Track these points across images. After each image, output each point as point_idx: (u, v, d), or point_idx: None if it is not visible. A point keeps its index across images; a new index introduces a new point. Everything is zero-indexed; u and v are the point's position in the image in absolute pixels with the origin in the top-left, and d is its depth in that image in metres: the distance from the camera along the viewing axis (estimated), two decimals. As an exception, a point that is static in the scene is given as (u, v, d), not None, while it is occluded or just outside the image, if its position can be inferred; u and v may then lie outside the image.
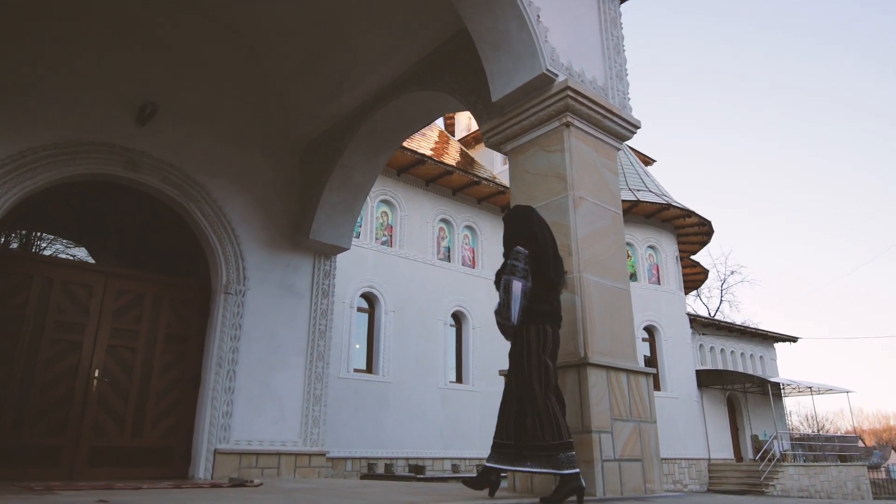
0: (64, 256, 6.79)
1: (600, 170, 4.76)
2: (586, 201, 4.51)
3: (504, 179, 19.49)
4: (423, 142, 18.00)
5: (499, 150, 5.17)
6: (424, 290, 15.69)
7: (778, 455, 18.61)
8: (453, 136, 24.63)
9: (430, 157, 15.86)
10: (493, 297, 15.03)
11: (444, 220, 17.02)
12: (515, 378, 3.55)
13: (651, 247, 18.94)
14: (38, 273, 6.30)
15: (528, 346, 3.51)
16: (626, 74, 5.51)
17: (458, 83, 5.95)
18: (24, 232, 6.43)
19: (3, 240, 6.25)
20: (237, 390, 7.10)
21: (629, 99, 5.36)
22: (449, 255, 16.80)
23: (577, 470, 3.32)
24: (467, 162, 19.73)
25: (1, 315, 6.03)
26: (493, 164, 21.51)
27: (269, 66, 8.33)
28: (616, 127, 4.95)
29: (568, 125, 4.62)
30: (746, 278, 60.84)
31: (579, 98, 4.66)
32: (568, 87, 4.60)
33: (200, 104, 7.68)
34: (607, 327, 4.32)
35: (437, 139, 19.40)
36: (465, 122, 24.88)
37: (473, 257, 17.38)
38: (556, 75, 4.75)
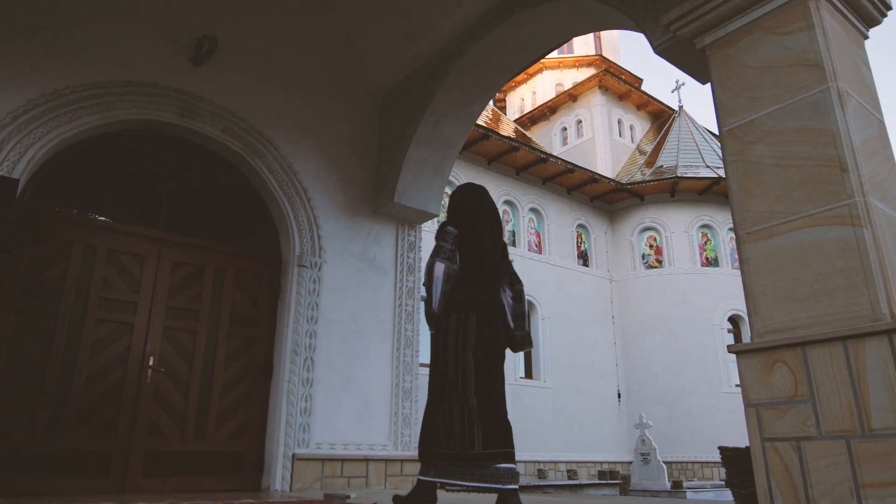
0: (105, 219, 5.61)
1: (856, 61, 3.35)
2: (852, 98, 3.10)
3: (570, 158, 18.12)
4: (481, 119, 16.71)
5: (685, 54, 3.81)
6: (490, 278, 14.32)
7: None
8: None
9: (494, 132, 14.51)
10: (563, 285, 13.75)
11: (507, 203, 15.69)
12: (431, 375, 3.24)
13: (732, 229, 17.23)
14: (78, 239, 5.14)
15: (445, 338, 3.19)
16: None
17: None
18: (61, 190, 5.28)
19: (36, 198, 5.11)
20: (316, 382, 5.85)
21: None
22: (514, 240, 15.44)
23: (482, 485, 2.98)
24: (525, 142, 18.36)
25: (35, 291, 4.88)
26: (552, 146, 20.05)
27: (339, 3, 7.08)
28: (866, 3, 3.52)
29: (815, -6, 3.22)
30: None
31: (822, -41, 3.25)
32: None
33: (264, 46, 6.46)
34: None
35: (489, 117, 18.06)
36: (518, 103, 23.48)
37: (539, 242, 16.01)
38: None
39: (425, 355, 12.30)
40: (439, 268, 3.20)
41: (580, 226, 17.10)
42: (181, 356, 5.41)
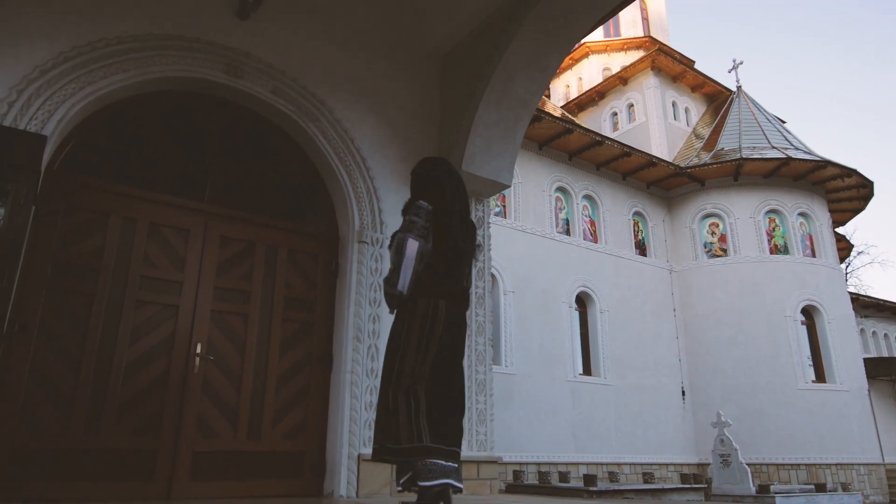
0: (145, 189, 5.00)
1: None
2: None
3: (637, 134, 17.19)
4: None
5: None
6: (545, 268, 13.55)
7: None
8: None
9: (548, 113, 13.68)
10: (620, 276, 12.83)
11: (560, 189, 14.84)
12: (387, 361, 3.02)
13: (802, 214, 16.06)
14: (116, 210, 4.52)
15: (411, 324, 2.96)
16: None
17: None
18: (97, 155, 4.68)
19: (69, 164, 4.51)
20: (381, 373, 5.13)
21: None
22: (568, 228, 14.58)
23: (439, 482, 2.74)
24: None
25: (69, 266, 4.27)
26: (602, 132, 19.08)
27: (395, -45, 6.39)
28: None
29: None
30: (876, 259, 55.52)
31: None
32: None
33: None
34: None
35: (537, 105, 17.12)
36: (563, 91, 22.58)
37: (594, 231, 15.10)
38: None
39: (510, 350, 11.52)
40: (412, 246, 2.90)
41: (636, 213, 16.13)
42: (232, 343, 4.76)
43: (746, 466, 10.23)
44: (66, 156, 4.51)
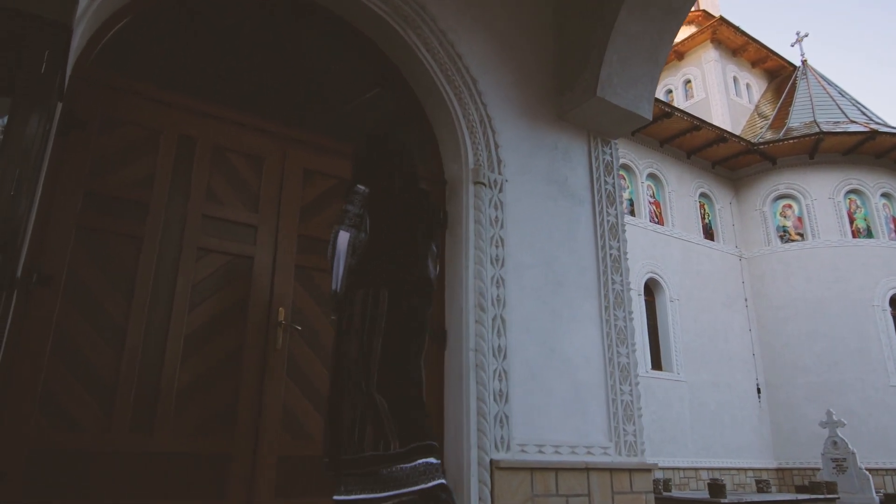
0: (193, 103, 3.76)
1: None
2: None
3: (696, 112, 15.83)
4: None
5: None
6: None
7: None
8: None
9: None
10: (689, 262, 11.36)
11: (624, 167, 13.51)
12: (333, 367, 2.56)
13: (885, 195, 14.62)
14: (170, 127, 3.31)
15: (350, 320, 2.52)
16: None
17: None
18: (142, 56, 3.46)
19: (107, 63, 3.29)
20: (511, 353, 3.89)
21: None
22: (633, 209, 13.27)
23: (401, 491, 2.32)
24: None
25: (106, 198, 3.06)
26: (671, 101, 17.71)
27: None
28: None
29: None
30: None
31: None
32: None
33: None
34: None
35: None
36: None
37: (660, 212, 13.77)
38: None
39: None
40: (343, 238, 2.57)
41: (702, 195, 14.77)
42: (323, 309, 3.53)
43: (867, 472, 8.87)
44: (101, 52, 3.30)
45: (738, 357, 13.78)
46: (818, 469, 12.59)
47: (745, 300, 14.38)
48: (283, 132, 3.65)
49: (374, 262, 2.58)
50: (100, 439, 2.76)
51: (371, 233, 2.62)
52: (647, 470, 4.23)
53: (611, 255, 4.68)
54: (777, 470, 13.32)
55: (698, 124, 13.53)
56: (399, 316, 2.54)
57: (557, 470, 3.81)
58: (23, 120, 2.39)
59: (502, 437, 3.67)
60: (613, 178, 4.96)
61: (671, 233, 13.60)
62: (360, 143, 2.93)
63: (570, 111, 4.72)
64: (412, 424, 2.45)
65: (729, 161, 15.05)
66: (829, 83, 16.75)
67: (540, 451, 3.82)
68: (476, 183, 4.12)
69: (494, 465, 3.56)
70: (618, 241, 4.77)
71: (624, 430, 4.26)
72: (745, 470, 12.84)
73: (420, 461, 2.38)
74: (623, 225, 4.87)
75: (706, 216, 14.72)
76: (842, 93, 16.33)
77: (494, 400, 3.71)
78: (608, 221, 4.78)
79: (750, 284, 14.56)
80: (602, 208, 4.78)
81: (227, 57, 3.73)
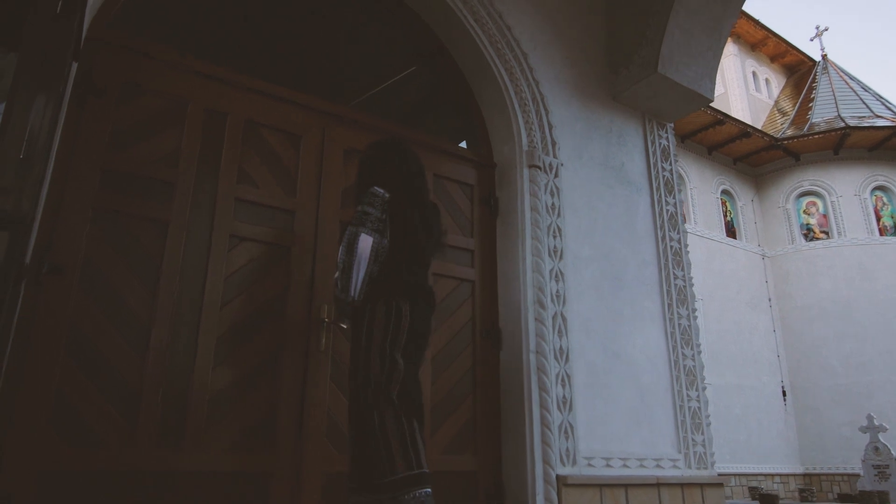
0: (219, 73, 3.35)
1: None
2: None
3: (719, 106, 15.41)
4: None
5: None
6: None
7: None
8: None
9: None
10: (713, 261, 10.95)
11: (644, 162, 13.03)
12: (351, 381, 2.37)
13: (913, 190, 14.21)
14: (198, 96, 2.91)
15: (370, 333, 2.33)
16: None
17: None
18: (168, 22, 3.05)
19: (130, 26, 2.89)
20: (573, 356, 3.49)
21: None
22: (655, 207, 12.79)
23: None
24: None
25: (126, 177, 2.66)
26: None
27: None
28: None
29: None
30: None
31: None
32: None
33: None
34: None
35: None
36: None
37: (683, 209, 13.30)
38: None
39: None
40: (366, 242, 2.35)
41: (724, 192, 14.35)
42: (369, 306, 3.12)
43: (913, 480, 8.47)
44: (121, 13, 2.90)
45: (763, 359, 13.36)
46: (847, 475, 12.18)
47: (769, 300, 13.96)
48: (322, 107, 3.25)
49: (393, 272, 2.43)
50: (121, 456, 2.36)
51: (390, 240, 2.46)
52: (720, 484, 3.83)
53: (671, 247, 4.27)
54: (804, 476, 12.89)
55: (722, 119, 13.12)
56: (414, 331, 2.41)
57: (627, 486, 3.40)
58: (33, 75, 1.99)
59: (567, 450, 3.26)
60: (671, 165, 4.56)
61: (694, 230, 13.16)
62: (371, 147, 2.74)
63: (626, 91, 4.32)
64: (422, 448, 2.31)
65: (750, 157, 14.64)
66: (851, 78, 16.34)
67: (608, 465, 3.41)
68: (531, 166, 3.72)
69: (561, 482, 3.15)
70: (678, 233, 4.37)
71: (693, 440, 3.86)
72: (772, 476, 12.42)
73: (422, 491, 2.21)
74: (682, 215, 4.47)
75: (728, 214, 14.31)
76: (865, 87, 15.92)
77: (558, 408, 3.31)
78: (667, 211, 4.38)
79: (774, 284, 14.13)
80: (661, 196, 4.38)
81: (262, 26, 3.33)
